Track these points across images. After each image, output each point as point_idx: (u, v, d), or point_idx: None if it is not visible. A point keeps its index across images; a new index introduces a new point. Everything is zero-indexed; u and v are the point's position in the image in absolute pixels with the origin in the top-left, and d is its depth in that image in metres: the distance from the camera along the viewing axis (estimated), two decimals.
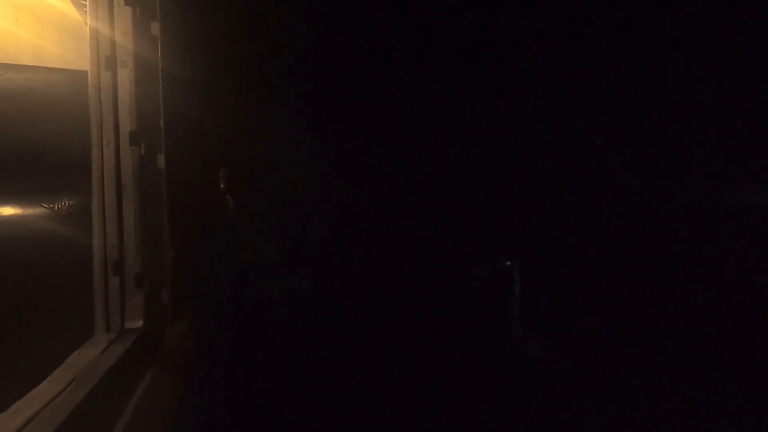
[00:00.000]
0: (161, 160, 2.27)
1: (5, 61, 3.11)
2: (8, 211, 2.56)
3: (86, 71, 2.18)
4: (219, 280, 3.23)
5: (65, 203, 2.57)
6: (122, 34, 2.17)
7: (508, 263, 4.40)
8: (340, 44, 3.37)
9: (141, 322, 2.15)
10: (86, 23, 2.21)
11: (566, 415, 3.39)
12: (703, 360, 3.81)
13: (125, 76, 2.17)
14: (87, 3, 2.20)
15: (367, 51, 3.45)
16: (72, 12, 3.27)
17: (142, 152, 2.19)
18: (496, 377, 3.87)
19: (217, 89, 2.83)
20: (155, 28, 2.29)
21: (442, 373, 3.84)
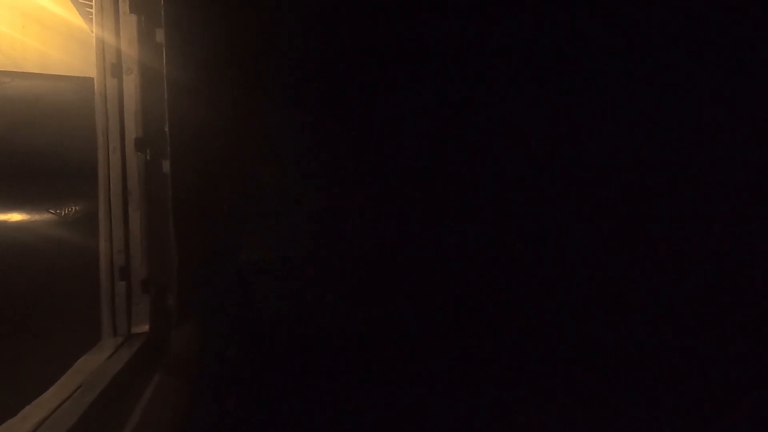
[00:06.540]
0: (166, 166, 2.29)
1: (12, 69, 3.14)
2: (15, 217, 2.58)
3: (92, 78, 2.20)
4: (225, 284, 3.24)
5: (72, 209, 2.59)
6: (128, 41, 2.19)
7: None
8: (347, 50, 3.38)
9: (147, 327, 2.17)
10: (92, 31, 2.23)
11: None
12: None
13: (131, 83, 2.19)
14: (93, 11, 2.22)
15: (373, 55, 3.46)
16: (78, 20, 3.30)
17: (148, 158, 2.21)
18: None
19: (221, 95, 2.85)
20: (160, 35, 2.31)
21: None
